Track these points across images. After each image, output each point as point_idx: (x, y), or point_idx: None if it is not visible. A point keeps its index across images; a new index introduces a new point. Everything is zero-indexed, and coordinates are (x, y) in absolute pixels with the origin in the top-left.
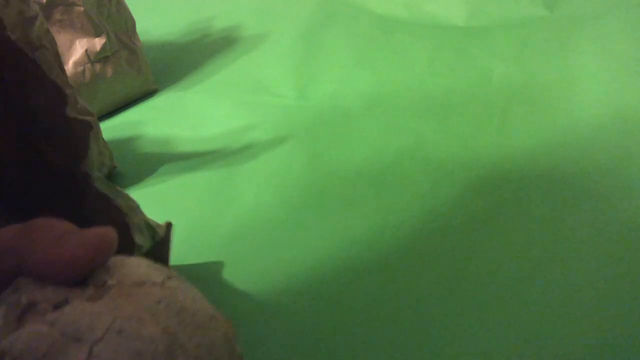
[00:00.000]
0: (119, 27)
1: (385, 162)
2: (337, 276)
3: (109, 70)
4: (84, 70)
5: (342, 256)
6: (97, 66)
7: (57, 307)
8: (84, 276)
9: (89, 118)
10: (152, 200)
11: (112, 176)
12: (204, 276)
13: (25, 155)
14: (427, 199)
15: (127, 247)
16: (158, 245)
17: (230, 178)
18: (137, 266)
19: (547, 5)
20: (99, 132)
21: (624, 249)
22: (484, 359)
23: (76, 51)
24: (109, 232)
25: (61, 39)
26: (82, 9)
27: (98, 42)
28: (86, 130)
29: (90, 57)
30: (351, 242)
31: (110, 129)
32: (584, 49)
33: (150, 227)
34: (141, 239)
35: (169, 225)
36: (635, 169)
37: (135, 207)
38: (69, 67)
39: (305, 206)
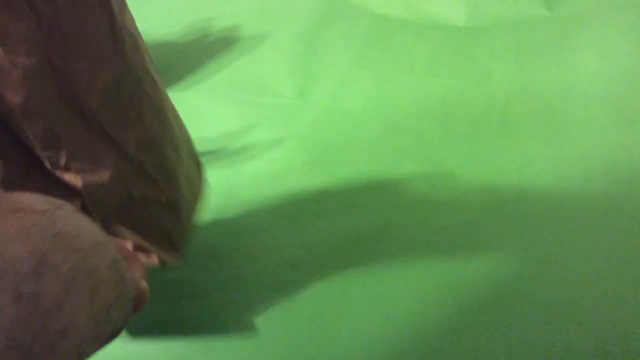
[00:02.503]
0: None
1: (385, 162)
2: (337, 275)
3: None
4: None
5: (342, 255)
6: None
7: None
8: None
9: None
10: None
11: None
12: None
13: None
14: (427, 199)
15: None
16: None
17: (230, 177)
18: (20, 196)
19: (547, 5)
20: None
21: (624, 249)
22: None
23: None
24: None
25: None
26: None
27: None
28: None
29: None
30: (351, 241)
31: None
32: (584, 49)
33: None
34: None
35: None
36: (635, 167)
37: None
38: None
39: (305, 205)
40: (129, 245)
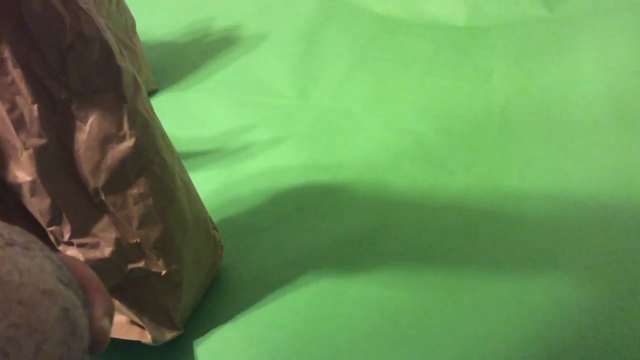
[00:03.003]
0: (119, 27)
1: (385, 162)
2: (336, 274)
3: None
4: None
5: (341, 255)
6: None
7: None
8: None
9: None
10: None
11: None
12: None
13: None
14: (427, 199)
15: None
16: None
17: (230, 177)
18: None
19: (547, 5)
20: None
21: (624, 249)
22: (484, 359)
23: None
24: None
25: None
26: None
27: None
28: None
29: None
30: (351, 241)
31: None
32: (584, 49)
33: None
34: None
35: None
36: (635, 168)
37: None
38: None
39: (305, 205)
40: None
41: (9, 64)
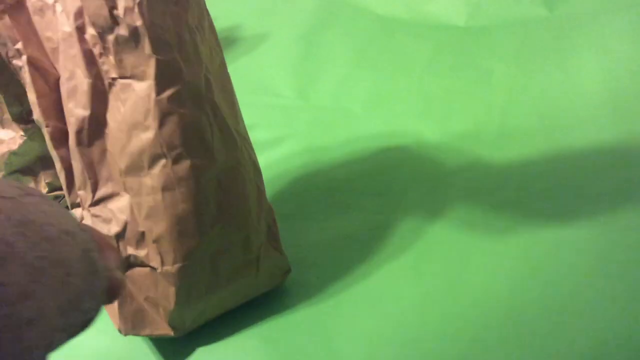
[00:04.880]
0: None
1: (385, 162)
2: (336, 275)
3: None
4: (109, 84)
5: (342, 255)
6: None
7: None
8: None
9: None
10: None
11: None
12: None
13: None
14: (427, 199)
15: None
16: None
17: None
18: None
19: (547, 5)
20: None
21: (624, 249)
22: (484, 359)
23: None
24: None
25: None
26: None
27: None
28: None
29: None
30: (351, 241)
31: None
32: (584, 49)
33: None
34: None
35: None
36: (635, 169)
37: None
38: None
39: (305, 205)
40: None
41: (75, 37)
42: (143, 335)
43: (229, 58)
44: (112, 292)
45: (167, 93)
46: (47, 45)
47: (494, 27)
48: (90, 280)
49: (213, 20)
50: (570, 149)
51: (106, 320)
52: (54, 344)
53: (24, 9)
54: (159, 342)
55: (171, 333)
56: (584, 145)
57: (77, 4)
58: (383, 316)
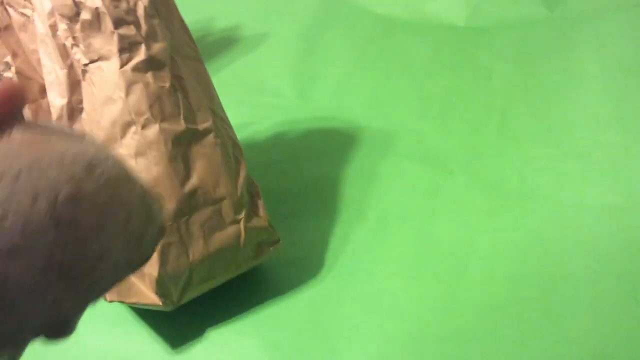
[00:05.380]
0: None
1: (385, 162)
2: (336, 275)
3: None
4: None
5: (341, 255)
6: None
7: None
8: None
9: None
10: None
11: None
12: None
13: None
14: (427, 199)
15: None
16: None
17: None
18: (50, 124)
19: (547, 5)
20: None
21: (624, 249)
22: (483, 359)
23: None
24: (18, 84)
25: None
26: None
27: None
28: None
29: None
30: (351, 241)
31: None
32: (584, 49)
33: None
34: None
35: None
36: (635, 168)
37: None
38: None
39: (305, 205)
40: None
41: (50, 34)
42: (129, 304)
43: (229, 58)
44: (160, 235)
45: (131, 64)
46: (32, 57)
47: (494, 27)
48: (148, 222)
49: (213, 20)
50: (570, 149)
51: (106, 320)
52: (119, 278)
53: (12, 30)
54: (158, 342)
55: (159, 303)
56: (584, 144)
57: (49, 5)
58: (383, 316)
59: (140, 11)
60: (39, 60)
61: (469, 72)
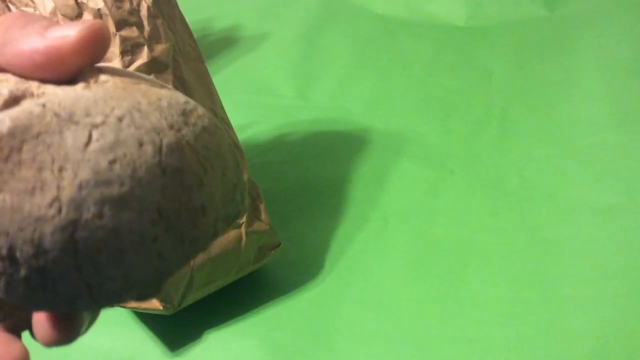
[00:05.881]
0: None
1: (385, 162)
2: (336, 275)
3: None
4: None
5: (341, 256)
6: None
7: (38, 95)
8: (73, 71)
9: None
10: None
11: None
12: None
13: None
14: (427, 199)
15: None
16: None
17: None
18: (129, 70)
19: (547, 5)
20: None
21: (624, 249)
22: (484, 359)
23: None
24: (102, 25)
25: None
26: None
27: None
28: None
29: None
30: (351, 241)
31: None
32: (584, 49)
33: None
34: None
35: None
36: (635, 168)
37: None
38: None
39: (305, 205)
40: None
41: None
42: (130, 308)
43: (229, 58)
44: (246, 189)
45: (133, 66)
46: None
47: (494, 27)
48: (238, 174)
49: (213, 20)
50: (571, 148)
51: (106, 320)
52: (218, 233)
53: None
54: (157, 344)
55: (160, 307)
56: (584, 144)
57: (51, 5)
58: (383, 316)
59: (144, 11)
60: None
61: (469, 72)
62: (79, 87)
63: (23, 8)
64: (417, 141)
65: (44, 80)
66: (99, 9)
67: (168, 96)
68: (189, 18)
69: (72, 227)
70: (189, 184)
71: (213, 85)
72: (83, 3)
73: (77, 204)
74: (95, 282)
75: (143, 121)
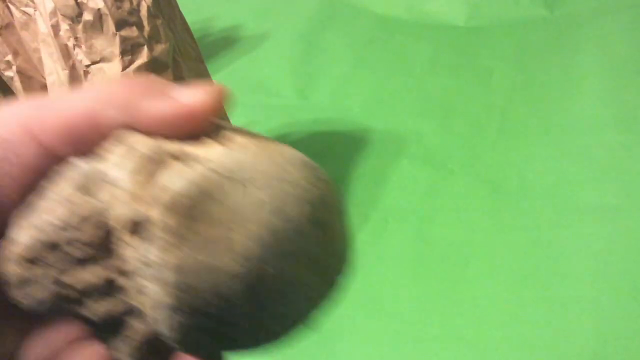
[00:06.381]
0: None
1: (385, 162)
2: None
3: None
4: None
5: None
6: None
7: (189, 156)
8: (197, 130)
9: None
10: None
11: None
12: None
13: None
14: (427, 199)
15: None
16: None
17: None
18: (249, 131)
19: (547, 5)
20: None
21: (624, 249)
22: (484, 359)
23: None
24: (221, 86)
25: None
26: None
27: None
28: None
29: None
30: (351, 241)
31: None
32: (584, 49)
33: None
34: None
35: None
36: (635, 168)
37: None
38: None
39: None
40: None
41: (52, 34)
42: None
43: (229, 58)
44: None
45: (133, 67)
46: (34, 56)
47: (494, 27)
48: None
49: (213, 20)
50: (570, 149)
51: None
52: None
53: (14, 28)
54: None
55: None
56: (584, 144)
57: (51, 5)
58: (383, 316)
59: (144, 11)
60: (40, 59)
61: (469, 72)
62: (219, 147)
63: (23, 8)
64: (417, 141)
65: (166, 137)
66: (99, 9)
67: (297, 154)
68: (189, 18)
69: (256, 280)
70: (332, 235)
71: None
72: (83, 3)
73: (260, 260)
74: (270, 327)
75: (294, 179)
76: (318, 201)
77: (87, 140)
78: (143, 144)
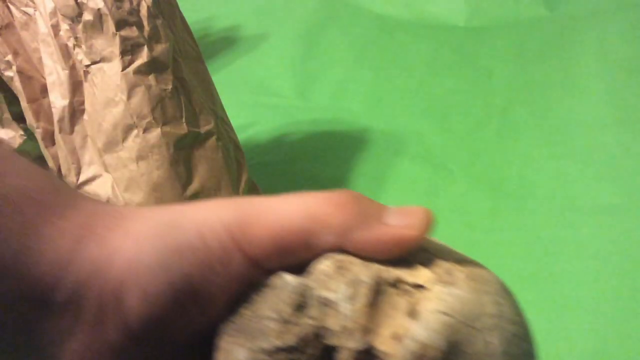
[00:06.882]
0: None
1: (385, 162)
2: None
3: None
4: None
5: None
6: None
7: (415, 287)
8: (402, 254)
9: None
10: None
11: None
12: None
13: None
14: (427, 199)
15: None
16: None
17: None
18: (446, 247)
19: (547, 5)
20: None
21: (624, 249)
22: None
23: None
24: (427, 209)
25: None
26: None
27: None
28: None
29: None
30: None
31: None
32: (584, 49)
33: None
34: None
35: None
36: (635, 168)
37: None
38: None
39: None
40: None
41: (52, 34)
42: None
43: (229, 58)
44: None
45: (133, 67)
46: (34, 56)
47: (494, 27)
48: None
49: (213, 20)
50: (570, 149)
51: None
52: None
53: (14, 28)
54: None
55: None
56: (584, 144)
57: (51, 5)
58: None
59: (144, 11)
60: (40, 59)
61: (469, 72)
62: (428, 273)
63: (23, 8)
64: (417, 141)
65: (371, 259)
66: (99, 9)
67: (495, 278)
68: (189, 18)
69: None
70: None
71: (213, 85)
72: (83, 3)
73: None
74: None
75: (510, 317)
76: (527, 334)
77: (295, 256)
78: (362, 270)
